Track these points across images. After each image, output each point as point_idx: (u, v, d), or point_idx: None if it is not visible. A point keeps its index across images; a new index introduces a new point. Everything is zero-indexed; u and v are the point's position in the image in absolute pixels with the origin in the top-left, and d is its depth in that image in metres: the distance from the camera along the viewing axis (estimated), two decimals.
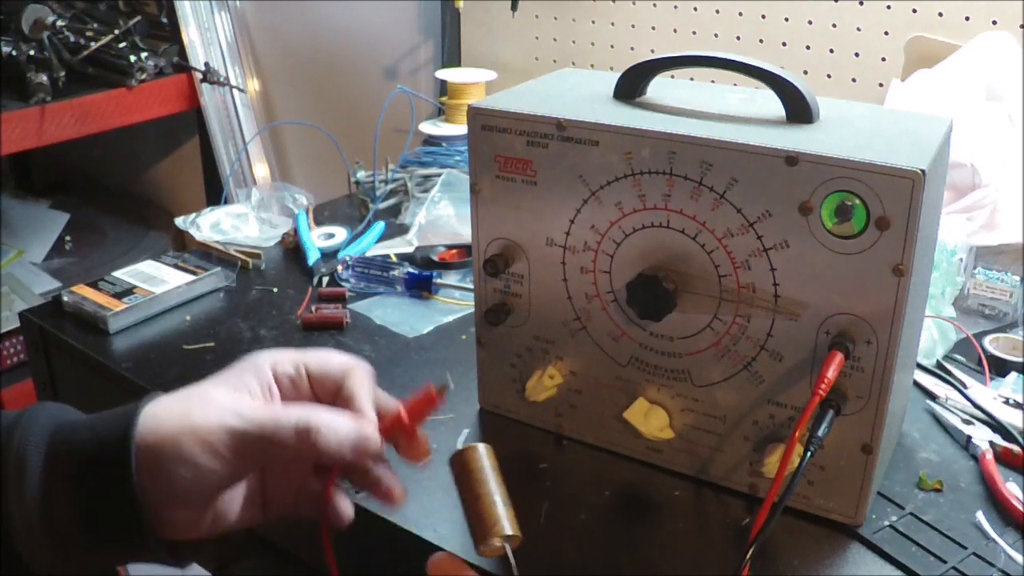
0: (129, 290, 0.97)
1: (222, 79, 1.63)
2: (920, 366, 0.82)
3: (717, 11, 1.35)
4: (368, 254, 1.09)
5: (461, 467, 0.56)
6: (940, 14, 1.17)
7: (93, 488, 0.53)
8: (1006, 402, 0.78)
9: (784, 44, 1.31)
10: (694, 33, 1.38)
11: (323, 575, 0.76)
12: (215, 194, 1.74)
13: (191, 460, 0.52)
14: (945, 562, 0.62)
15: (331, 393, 0.58)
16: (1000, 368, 0.85)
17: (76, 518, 0.52)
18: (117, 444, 0.52)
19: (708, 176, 0.62)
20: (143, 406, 0.54)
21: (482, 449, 0.56)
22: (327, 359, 0.59)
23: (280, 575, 0.82)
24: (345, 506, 0.58)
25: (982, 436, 0.74)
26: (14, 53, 1.47)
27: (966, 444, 0.74)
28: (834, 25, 1.26)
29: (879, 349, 0.60)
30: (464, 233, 1.11)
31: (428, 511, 0.67)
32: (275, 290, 1.02)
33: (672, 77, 0.74)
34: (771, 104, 0.66)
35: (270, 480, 0.58)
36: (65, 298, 0.96)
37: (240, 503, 0.57)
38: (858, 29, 1.24)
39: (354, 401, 0.57)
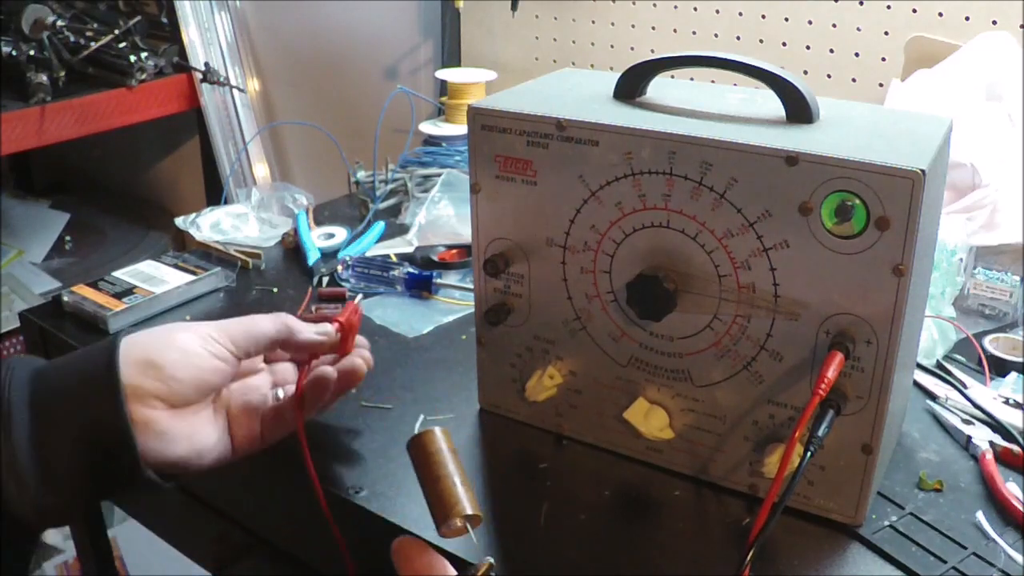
0: (129, 290, 0.97)
1: (222, 79, 1.63)
2: (920, 366, 0.82)
3: (717, 11, 1.35)
4: (368, 254, 1.09)
5: (419, 451, 0.57)
6: (940, 14, 1.17)
7: (85, 423, 0.57)
8: (1006, 402, 0.79)
9: (784, 44, 1.31)
10: (694, 33, 1.38)
11: (323, 575, 0.76)
12: (215, 194, 1.74)
13: (186, 347, 0.61)
14: (945, 562, 0.62)
15: (271, 336, 0.68)
16: (1000, 368, 0.85)
17: (70, 453, 0.56)
18: (103, 370, 0.58)
19: (708, 176, 0.62)
20: (121, 336, 0.61)
21: (439, 432, 0.58)
22: (251, 324, 0.68)
23: (280, 575, 0.82)
24: (327, 374, 0.69)
25: (982, 436, 0.74)
26: (14, 53, 1.46)
27: (966, 444, 0.74)
28: (834, 25, 1.26)
29: (879, 349, 0.60)
30: (464, 233, 1.11)
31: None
32: (275, 290, 1.02)
33: (672, 77, 0.74)
34: (771, 104, 0.66)
35: (236, 417, 0.67)
36: (65, 298, 0.96)
37: (213, 438, 0.64)
38: (858, 29, 1.24)
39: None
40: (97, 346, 0.61)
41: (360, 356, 0.73)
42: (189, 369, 0.61)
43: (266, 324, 0.67)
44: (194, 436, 0.62)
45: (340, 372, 0.70)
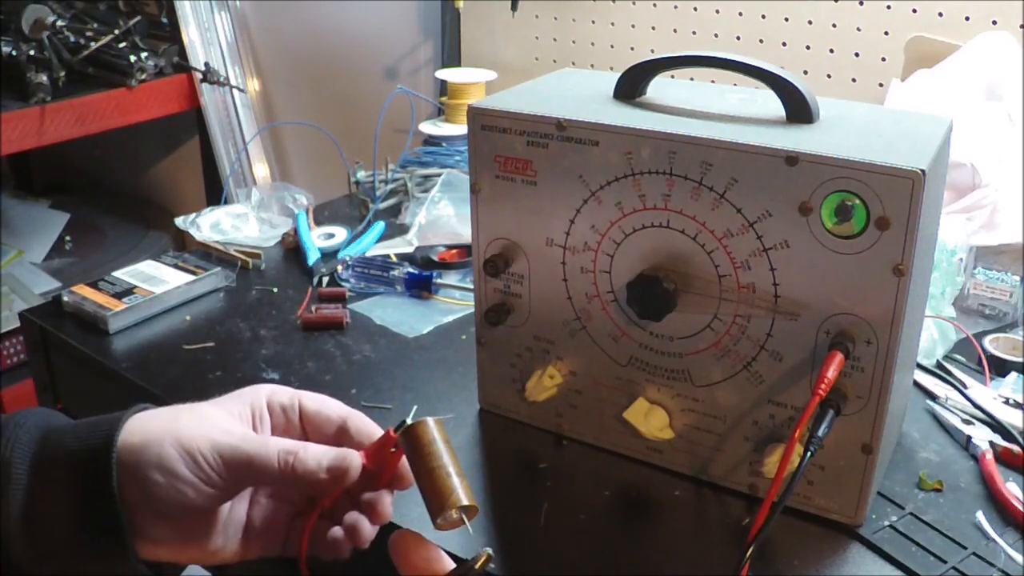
0: (129, 290, 0.97)
1: (222, 79, 1.63)
2: (920, 366, 0.82)
3: (717, 11, 1.35)
4: (368, 254, 1.09)
5: (411, 442, 0.55)
6: (940, 14, 1.17)
7: (76, 491, 0.52)
8: (1006, 402, 0.78)
9: (784, 44, 1.31)
10: (694, 33, 1.38)
11: (323, 575, 0.76)
12: (215, 194, 1.74)
13: (169, 466, 0.51)
14: (945, 562, 0.62)
15: (324, 437, 0.58)
16: (1000, 368, 0.85)
17: (61, 523, 0.52)
18: (101, 447, 0.52)
19: (708, 176, 0.62)
20: (131, 413, 0.54)
21: (431, 423, 0.55)
22: (324, 401, 0.59)
23: (280, 575, 0.82)
24: (339, 542, 0.57)
25: (982, 436, 0.74)
26: (14, 53, 1.46)
27: (966, 444, 0.74)
28: (834, 25, 1.26)
29: (879, 349, 0.60)
30: (464, 233, 1.11)
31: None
32: (275, 290, 1.02)
33: (672, 77, 0.74)
34: (771, 104, 0.66)
35: (258, 514, 0.58)
36: (65, 298, 0.96)
37: (231, 538, 0.56)
38: (858, 29, 1.24)
39: (354, 442, 0.57)
40: (98, 437, 0.54)
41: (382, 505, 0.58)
42: (171, 494, 0.52)
43: (270, 461, 0.53)
44: (186, 546, 0.54)
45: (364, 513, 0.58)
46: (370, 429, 0.58)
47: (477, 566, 0.53)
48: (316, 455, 0.54)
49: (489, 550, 0.53)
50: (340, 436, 0.58)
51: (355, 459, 0.54)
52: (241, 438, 0.53)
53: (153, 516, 0.52)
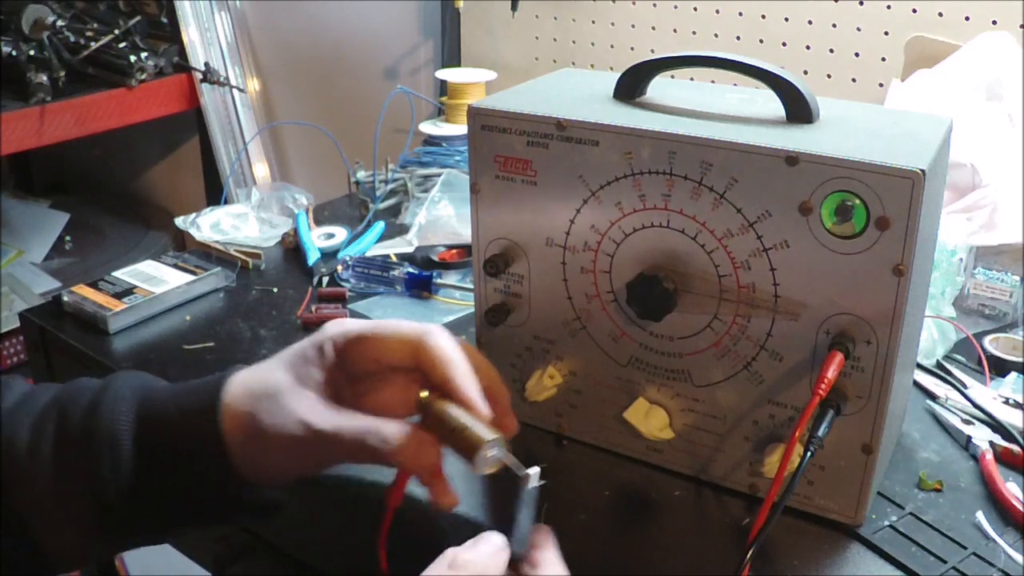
0: (129, 290, 0.97)
1: (222, 79, 1.63)
2: (920, 366, 0.82)
3: (717, 11, 1.35)
4: (368, 254, 1.09)
5: (430, 416, 0.56)
6: (940, 14, 1.17)
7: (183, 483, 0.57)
8: (1006, 402, 0.78)
9: (784, 44, 1.31)
10: (694, 33, 1.38)
11: (323, 575, 0.76)
12: (215, 194, 1.74)
13: (267, 457, 0.56)
14: (945, 562, 0.62)
15: (403, 360, 0.58)
16: (1000, 368, 0.85)
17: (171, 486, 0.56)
18: (203, 435, 0.56)
19: (708, 176, 0.62)
20: (220, 403, 0.57)
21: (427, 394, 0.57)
22: (388, 341, 0.59)
23: (280, 575, 0.82)
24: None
25: (982, 436, 0.74)
26: (14, 53, 1.46)
27: (966, 444, 0.74)
28: (834, 25, 1.26)
29: (879, 349, 0.60)
30: (464, 233, 1.10)
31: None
32: (275, 290, 1.02)
33: (672, 77, 0.74)
34: (771, 104, 0.66)
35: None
36: (65, 298, 0.96)
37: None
38: (858, 29, 1.24)
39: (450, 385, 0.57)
40: (202, 385, 0.59)
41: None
42: (270, 472, 0.57)
43: (352, 448, 0.55)
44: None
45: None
46: (441, 354, 0.57)
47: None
48: (391, 445, 0.54)
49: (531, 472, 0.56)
50: (415, 360, 0.58)
51: (429, 450, 0.55)
52: (318, 431, 0.55)
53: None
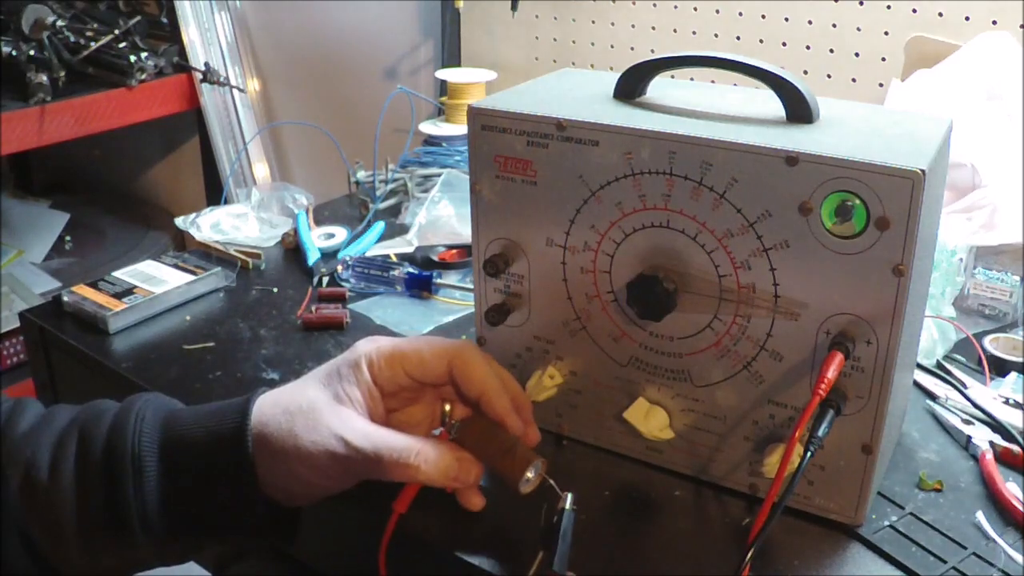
0: (129, 290, 0.97)
1: (222, 79, 1.63)
2: (920, 366, 0.82)
3: (717, 11, 1.35)
4: (368, 254, 1.09)
5: (469, 436, 0.60)
6: (940, 14, 1.17)
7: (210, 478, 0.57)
8: (1006, 402, 0.78)
9: (784, 44, 1.31)
10: (694, 33, 1.38)
11: (323, 575, 0.76)
12: (215, 194, 1.74)
13: (297, 476, 0.56)
14: (945, 562, 0.62)
15: (438, 377, 0.61)
16: (1000, 368, 0.85)
17: (199, 504, 0.57)
18: (233, 459, 0.56)
19: (708, 176, 0.62)
20: (249, 422, 0.57)
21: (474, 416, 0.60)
22: (423, 358, 0.61)
23: (280, 575, 0.82)
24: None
25: (982, 436, 0.74)
26: (14, 53, 1.46)
27: (966, 444, 0.74)
28: (834, 25, 1.26)
29: (879, 349, 0.60)
30: (464, 233, 1.11)
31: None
32: (275, 290, 1.02)
33: (672, 77, 0.74)
34: (771, 104, 0.66)
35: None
36: (65, 298, 0.96)
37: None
38: (858, 29, 1.24)
39: (484, 398, 0.61)
40: (231, 408, 0.59)
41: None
42: (306, 490, 0.58)
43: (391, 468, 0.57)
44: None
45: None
46: (476, 371, 0.61)
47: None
48: (437, 468, 0.57)
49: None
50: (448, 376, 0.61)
51: (471, 470, 0.59)
52: (358, 449, 0.56)
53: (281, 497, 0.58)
